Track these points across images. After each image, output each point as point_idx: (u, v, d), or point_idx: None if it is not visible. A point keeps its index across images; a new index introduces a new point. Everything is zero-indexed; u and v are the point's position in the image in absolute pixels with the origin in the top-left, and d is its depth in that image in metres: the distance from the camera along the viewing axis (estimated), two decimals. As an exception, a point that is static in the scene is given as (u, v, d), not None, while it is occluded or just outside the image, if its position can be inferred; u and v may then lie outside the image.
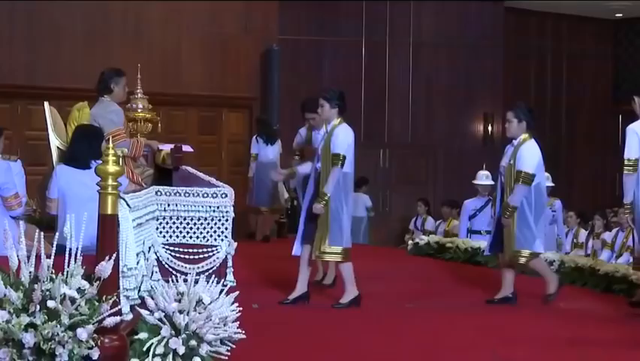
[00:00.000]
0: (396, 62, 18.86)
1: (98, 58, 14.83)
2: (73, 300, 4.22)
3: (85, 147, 6.88)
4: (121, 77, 8.49)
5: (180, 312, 4.96)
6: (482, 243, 12.36)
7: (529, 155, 8.66)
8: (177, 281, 5.18)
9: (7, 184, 7.48)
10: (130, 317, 4.62)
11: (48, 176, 7.83)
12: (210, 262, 6.14)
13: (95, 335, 4.22)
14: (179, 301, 5.01)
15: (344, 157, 8.32)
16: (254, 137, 14.55)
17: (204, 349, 4.94)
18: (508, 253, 8.70)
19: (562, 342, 7.24)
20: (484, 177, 13.50)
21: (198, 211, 6.15)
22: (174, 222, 6.13)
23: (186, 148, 8.38)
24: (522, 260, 8.74)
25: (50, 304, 4.16)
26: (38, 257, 4.27)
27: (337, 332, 7.60)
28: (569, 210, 14.79)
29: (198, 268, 6.09)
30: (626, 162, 7.90)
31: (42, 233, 4.35)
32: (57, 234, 4.78)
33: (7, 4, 15.03)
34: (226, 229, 6.18)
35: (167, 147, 8.58)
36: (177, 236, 6.14)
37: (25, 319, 4.13)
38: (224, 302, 5.13)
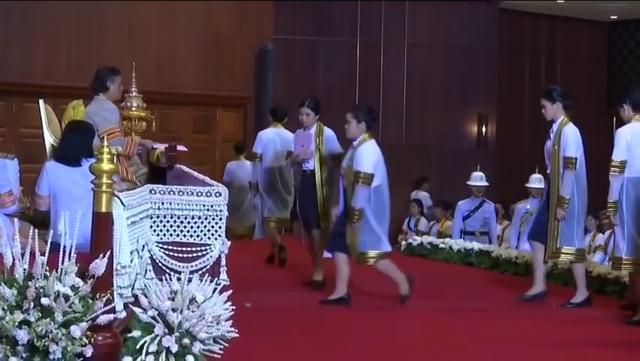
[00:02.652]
0: (390, 63, 18.86)
1: (93, 56, 14.86)
2: (67, 297, 4.23)
3: (76, 144, 6.84)
4: (117, 75, 8.49)
5: (174, 310, 4.97)
6: (475, 244, 12.41)
7: (366, 155, 8.73)
8: (171, 280, 5.19)
9: (1, 181, 7.48)
10: (123, 314, 4.63)
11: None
12: (204, 261, 6.12)
13: (88, 333, 4.23)
14: (173, 299, 5.02)
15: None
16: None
17: (197, 347, 4.95)
18: (354, 254, 8.79)
19: (553, 344, 7.26)
20: (478, 178, 13.52)
21: (192, 210, 6.14)
22: (168, 221, 6.12)
23: (180, 147, 8.39)
24: (371, 261, 8.81)
25: (44, 301, 4.17)
26: (32, 254, 4.28)
27: (329, 331, 7.62)
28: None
29: (192, 266, 6.07)
30: None
31: (36, 231, 4.36)
32: (51, 231, 4.79)
33: (2, 2, 15.02)
34: (220, 227, 6.17)
35: (161, 146, 8.59)
36: (171, 235, 6.13)
37: (18, 316, 4.14)
38: (217, 301, 5.14)
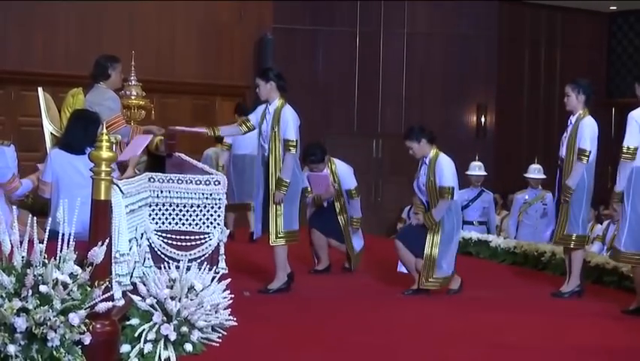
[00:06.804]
0: (390, 52, 18.83)
1: (92, 45, 14.83)
2: (65, 285, 4.23)
3: (80, 133, 6.85)
4: (118, 63, 8.52)
5: (172, 299, 4.97)
6: (474, 234, 12.41)
7: None
8: (169, 268, 5.20)
9: (2, 169, 7.48)
10: (122, 302, 4.64)
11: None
12: (202, 250, 6.13)
13: (86, 320, 4.23)
14: (171, 287, 5.03)
15: None
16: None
17: (196, 335, 4.96)
18: None
19: (551, 334, 7.26)
20: (477, 168, 13.52)
21: (191, 198, 6.15)
22: (167, 209, 6.12)
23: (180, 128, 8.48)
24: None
25: (42, 288, 4.17)
26: (31, 242, 4.28)
27: (328, 320, 7.62)
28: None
29: (190, 255, 6.08)
30: None
31: (35, 218, 4.36)
32: (50, 219, 4.80)
33: (2, -10, 15.02)
34: (218, 216, 6.17)
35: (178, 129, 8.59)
36: (170, 223, 6.14)
37: (17, 303, 4.14)
38: (215, 289, 5.15)
